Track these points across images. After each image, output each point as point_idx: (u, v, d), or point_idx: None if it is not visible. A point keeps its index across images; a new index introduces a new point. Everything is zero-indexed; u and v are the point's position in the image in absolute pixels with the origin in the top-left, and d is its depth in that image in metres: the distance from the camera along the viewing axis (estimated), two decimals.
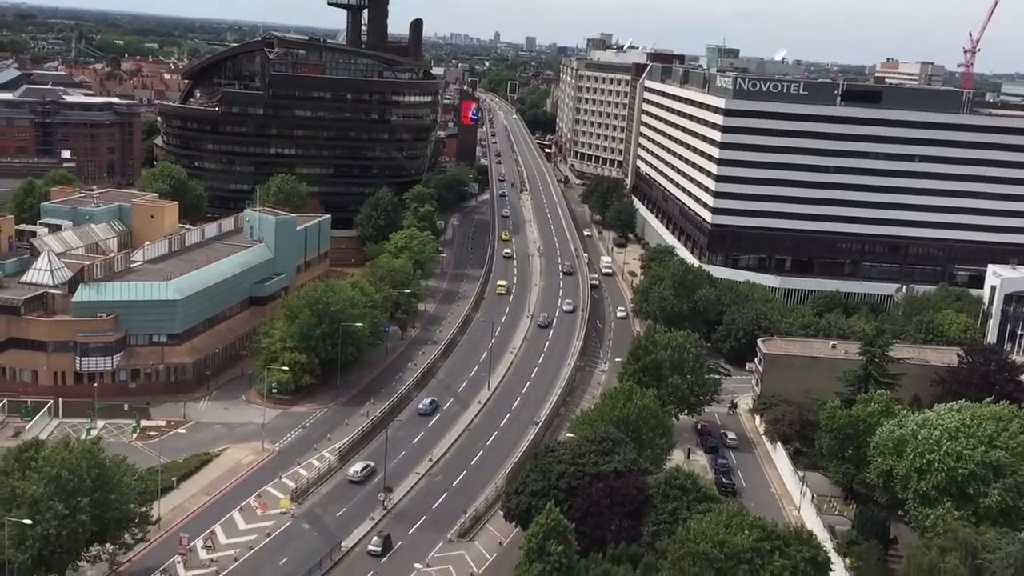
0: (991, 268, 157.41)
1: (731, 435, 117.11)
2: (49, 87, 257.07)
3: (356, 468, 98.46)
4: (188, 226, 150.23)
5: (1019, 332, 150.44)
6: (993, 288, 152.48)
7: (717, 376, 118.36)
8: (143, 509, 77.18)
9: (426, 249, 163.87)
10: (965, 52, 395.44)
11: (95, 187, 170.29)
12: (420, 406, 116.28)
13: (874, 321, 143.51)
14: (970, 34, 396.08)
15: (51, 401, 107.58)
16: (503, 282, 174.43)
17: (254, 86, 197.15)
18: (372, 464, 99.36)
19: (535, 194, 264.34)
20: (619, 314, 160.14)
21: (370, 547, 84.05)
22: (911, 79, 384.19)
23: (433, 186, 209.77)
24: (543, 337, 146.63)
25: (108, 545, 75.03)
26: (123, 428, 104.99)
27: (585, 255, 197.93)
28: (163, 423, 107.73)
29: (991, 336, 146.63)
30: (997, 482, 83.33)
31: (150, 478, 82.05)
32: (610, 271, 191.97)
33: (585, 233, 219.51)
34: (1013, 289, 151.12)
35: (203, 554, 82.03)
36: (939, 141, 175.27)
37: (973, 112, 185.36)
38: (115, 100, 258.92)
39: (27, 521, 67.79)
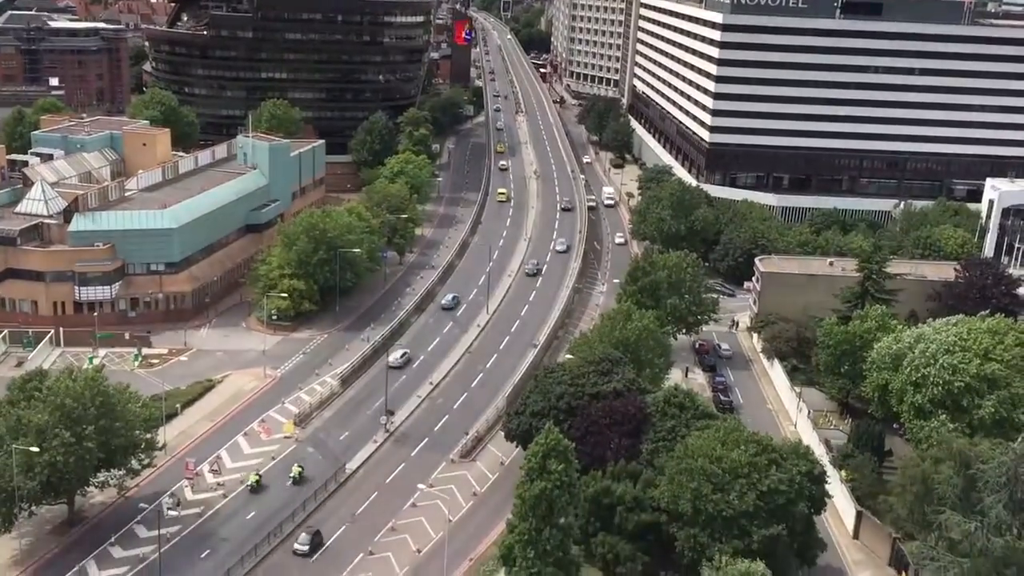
0: (989, 182, 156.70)
1: (725, 347, 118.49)
2: (34, 13, 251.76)
3: (396, 355, 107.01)
4: (181, 153, 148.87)
5: (1016, 245, 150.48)
6: (991, 202, 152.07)
7: (715, 295, 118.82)
8: (148, 435, 78.20)
9: (422, 173, 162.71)
10: None
11: (85, 115, 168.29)
12: (444, 301, 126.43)
13: (872, 237, 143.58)
14: None
15: (52, 331, 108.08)
16: (503, 190, 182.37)
17: (242, 8, 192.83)
18: (408, 351, 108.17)
19: (531, 116, 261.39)
20: (618, 240, 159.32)
21: (296, 546, 74.20)
22: None
23: (427, 109, 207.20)
24: (541, 259, 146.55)
25: (115, 471, 76.26)
26: (125, 357, 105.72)
27: (582, 176, 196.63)
28: (164, 351, 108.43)
29: (988, 250, 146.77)
30: (992, 394, 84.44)
31: (154, 405, 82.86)
32: (612, 202, 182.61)
33: (585, 160, 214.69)
34: (1011, 202, 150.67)
35: (210, 478, 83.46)
36: (939, 53, 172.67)
37: (975, 23, 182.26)
38: (101, 25, 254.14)
39: (34, 449, 68.77)
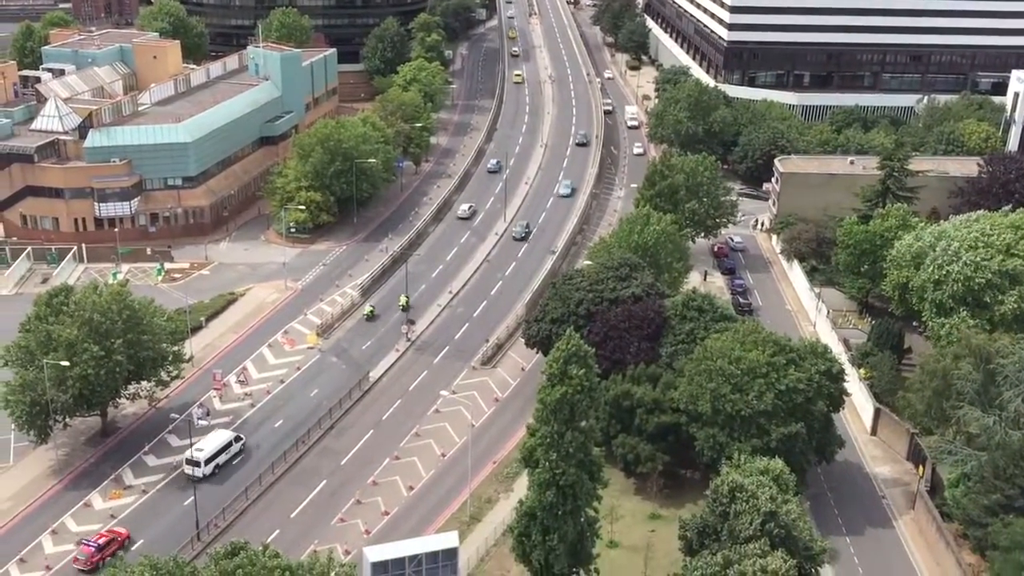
0: (1015, 73, 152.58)
1: (737, 239, 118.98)
2: None
3: (464, 207, 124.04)
4: (192, 66, 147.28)
5: None
6: (1016, 94, 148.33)
7: (734, 199, 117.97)
8: (175, 348, 79.69)
9: (435, 80, 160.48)
10: None
11: (94, 28, 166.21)
12: (490, 164, 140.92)
13: (894, 134, 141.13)
14: None
15: (74, 247, 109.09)
16: (519, 72, 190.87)
17: None
18: (474, 204, 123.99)
19: (544, 17, 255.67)
20: (636, 151, 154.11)
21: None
22: None
23: (439, 14, 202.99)
24: (558, 166, 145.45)
25: (145, 383, 78.00)
26: (147, 272, 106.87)
27: (598, 79, 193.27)
28: (186, 265, 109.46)
29: (1013, 144, 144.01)
30: (1013, 290, 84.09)
31: (179, 318, 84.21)
32: (635, 123, 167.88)
33: (606, 76, 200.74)
34: None
35: (237, 388, 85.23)
36: None
37: None
38: None
39: (65, 363, 70.26)
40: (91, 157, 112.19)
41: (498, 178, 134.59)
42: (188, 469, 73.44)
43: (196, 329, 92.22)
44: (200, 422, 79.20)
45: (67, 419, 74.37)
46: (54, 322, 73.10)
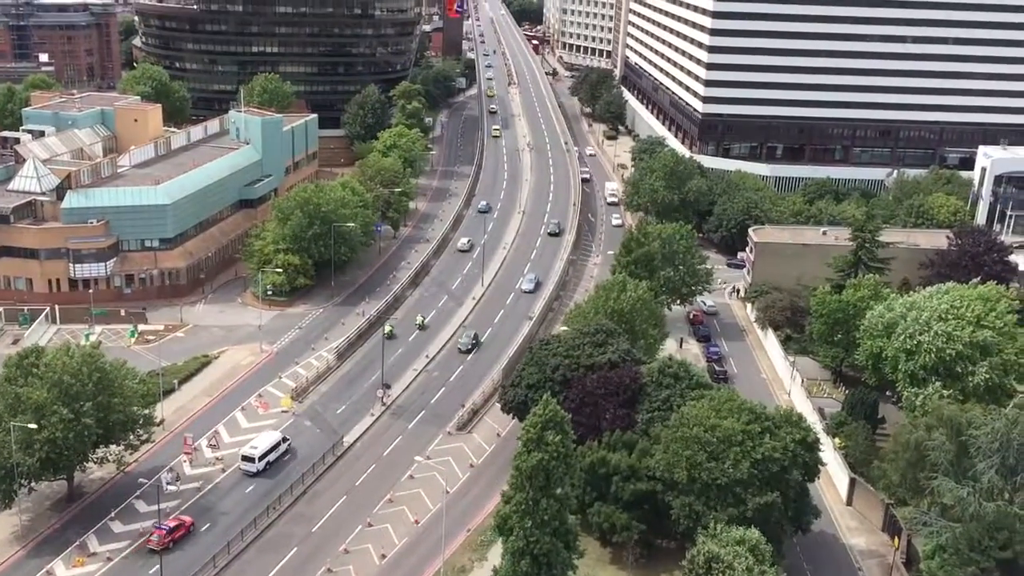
0: (982, 149, 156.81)
1: (710, 303, 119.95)
2: None
3: (463, 241, 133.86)
4: (173, 129, 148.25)
5: (1008, 213, 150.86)
6: (983, 169, 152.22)
7: (708, 267, 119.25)
8: (146, 411, 78.57)
9: (415, 147, 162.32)
10: None
11: (75, 91, 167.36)
12: (480, 206, 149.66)
13: (865, 206, 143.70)
14: None
15: (47, 308, 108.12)
16: (497, 126, 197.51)
17: None
18: (473, 240, 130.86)
19: (523, 87, 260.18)
20: (615, 222, 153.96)
21: None
22: None
23: (420, 82, 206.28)
24: (535, 232, 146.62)
25: (114, 447, 76.67)
26: (121, 333, 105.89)
27: (576, 148, 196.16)
28: (160, 327, 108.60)
29: (981, 218, 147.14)
30: (984, 361, 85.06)
31: (151, 381, 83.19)
32: (615, 199, 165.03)
33: (588, 152, 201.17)
34: (1003, 170, 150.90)
35: (208, 453, 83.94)
36: (932, 21, 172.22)
37: None
38: (90, 0, 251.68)
39: (33, 426, 69.05)
40: (68, 218, 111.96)
41: (469, 255, 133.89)
42: (244, 465, 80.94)
43: (168, 392, 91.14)
44: (169, 487, 77.81)
45: (33, 484, 72.79)
46: (23, 384, 72.01)
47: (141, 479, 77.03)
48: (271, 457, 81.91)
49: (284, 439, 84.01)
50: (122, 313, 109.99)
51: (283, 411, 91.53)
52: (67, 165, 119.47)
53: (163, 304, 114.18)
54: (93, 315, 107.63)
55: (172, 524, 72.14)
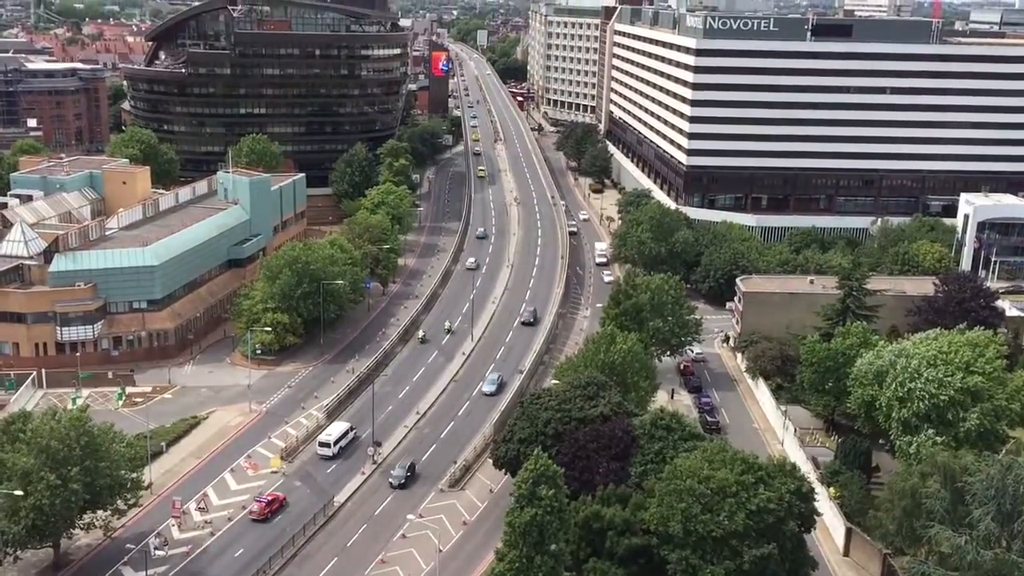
0: (964, 196, 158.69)
1: (696, 349, 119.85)
2: (10, 55, 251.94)
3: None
4: (161, 191, 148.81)
5: (993, 259, 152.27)
6: (966, 216, 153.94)
7: (697, 317, 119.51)
8: (134, 475, 77.55)
9: (403, 204, 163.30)
10: None
11: (64, 155, 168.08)
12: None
13: (850, 255, 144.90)
14: None
15: (34, 372, 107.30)
16: (476, 132, 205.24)
17: (219, 45, 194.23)
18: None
19: (509, 143, 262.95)
20: (607, 278, 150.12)
21: None
22: (880, 11, 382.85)
23: (407, 140, 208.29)
24: (524, 286, 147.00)
25: (101, 512, 75.55)
26: (108, 396, 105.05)
27: (563, 202, 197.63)
28: (148, 389, 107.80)
29: (965, 264, 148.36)
30: (975, 407, 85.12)
31: (139, 444, 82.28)
32: (604, 259, 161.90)
33: (582, 217, 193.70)
34: (985, 216, 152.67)
35: (197, 516, 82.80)
36: (910, 72, 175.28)
37: (943, 42, 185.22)
38: (79, 65, 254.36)
39: (19, 492, 68.07)
40: (55, 281, 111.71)
41: (463, 299, 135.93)
42: (321, 450, 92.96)
43: (156, 455, 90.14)
44: (157, 552, 76.55)
45: (18, 551, 71.55)
46: (9, 450, 71.13)
47: (128, 544, 75.78)
48: (343, 443, 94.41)
49: (351, 428, 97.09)
50: (109, 376, 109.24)
51: (273, 471, 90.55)
52: (55, 229, 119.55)
53: (151, 366, 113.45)
54: (80, 378, 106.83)
55: (270, 498, 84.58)
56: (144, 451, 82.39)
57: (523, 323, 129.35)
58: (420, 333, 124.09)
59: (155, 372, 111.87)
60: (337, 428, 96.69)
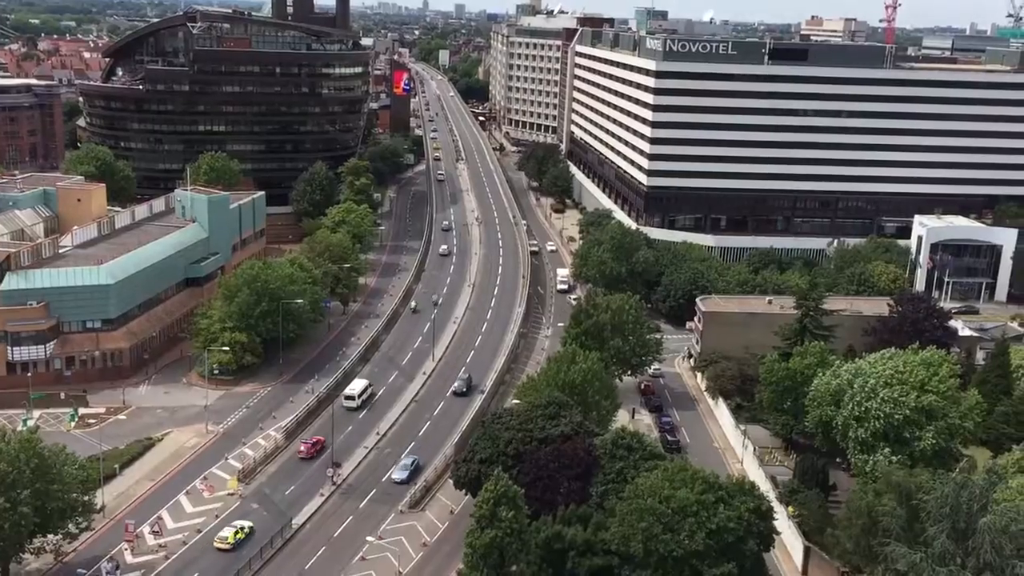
0: (917, 218, 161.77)
1: (656, 366, 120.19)
2: None
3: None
4: (117, 209, 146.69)
5: (945, 279, 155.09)
6: (920, 238, 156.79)
7: (658, 336, 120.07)
8: (86, 498, 75.98)
9: (364, 222, 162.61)
10: (886, 7, 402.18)
11: (17, 172, 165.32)
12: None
13: (808, 275, 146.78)
14: None
15: None
16: (436, 142, 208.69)
17: (178, 62, 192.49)
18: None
19: (471, 162, 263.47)
20: (573, 300, 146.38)
21: None
22: (835, 36, 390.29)
23: (368, 159, 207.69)
24: (485, 306, 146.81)
25: (52, 536, 73.84)
26: (60, 417, 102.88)
27: (524, 222, 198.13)
28: (102, 410, 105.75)
29: (919, 285, 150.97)
30: (930, 425, 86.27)
31: (91, 466, 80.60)
32: (565, 286, 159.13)
33: (549, 248, 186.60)
34: (938, 238, 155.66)
35: (150, 540, 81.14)
36: (864, 96, 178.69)
37: (896, 67, 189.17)
38: (33, 81, 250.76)
39: None
40: (6, 300, 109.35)
41: (425, 318, 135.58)
42: (346, 403, 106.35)
43: (109, 477, 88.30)
44: None
45: None
46: None
47: (80, 569, 74.09)
48: (364, 396, 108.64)
49: (370, 384, 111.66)
50: (62, 396, 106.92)
51: (230, 493, 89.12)
52: (6, 246, 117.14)
53: (105, 386, 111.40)
54: (32, 399, 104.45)
55: (313, 440, 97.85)
56: (96, 473, 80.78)
57: (455, 393, 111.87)
58: (412, 304, 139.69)
59: (109, 393, 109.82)
60: (359, 384, 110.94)
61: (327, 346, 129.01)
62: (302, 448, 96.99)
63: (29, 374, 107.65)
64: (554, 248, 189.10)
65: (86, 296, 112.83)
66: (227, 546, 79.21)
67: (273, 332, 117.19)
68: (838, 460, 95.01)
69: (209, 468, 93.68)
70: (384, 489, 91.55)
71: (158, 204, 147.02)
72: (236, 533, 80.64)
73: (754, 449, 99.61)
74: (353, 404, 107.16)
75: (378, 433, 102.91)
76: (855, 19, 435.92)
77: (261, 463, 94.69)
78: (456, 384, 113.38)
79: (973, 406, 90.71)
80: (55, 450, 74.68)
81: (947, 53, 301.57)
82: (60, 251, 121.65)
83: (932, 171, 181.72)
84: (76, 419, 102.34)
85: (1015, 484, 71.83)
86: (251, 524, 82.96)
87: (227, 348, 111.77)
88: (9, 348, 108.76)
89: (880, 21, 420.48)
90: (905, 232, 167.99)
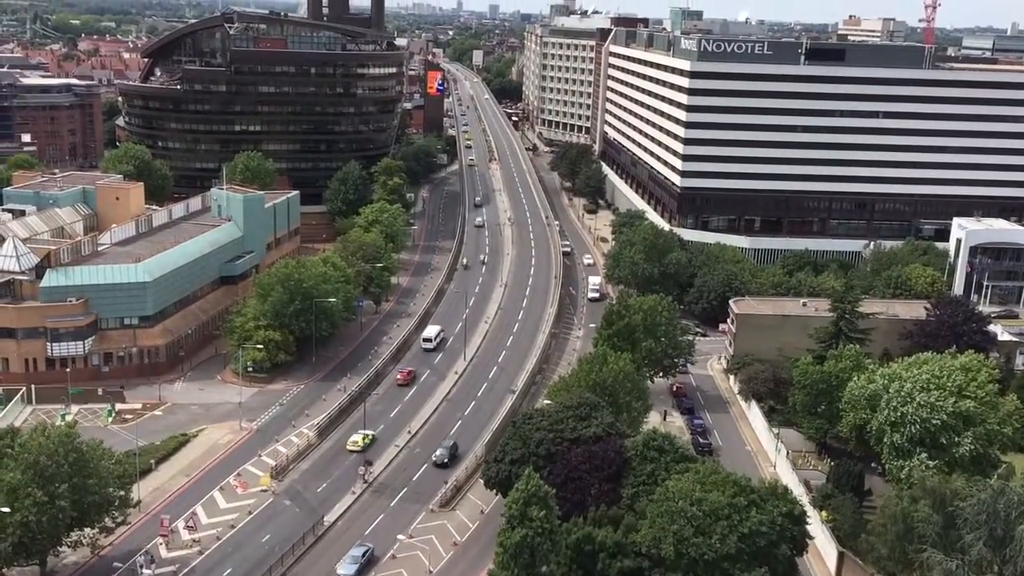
0: (956, 221, 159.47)
1: (688, 366, 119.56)
2: (5, 70, 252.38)
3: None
4: (155, 207, 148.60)
5: (984, 283, 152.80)
6: (959, 241, 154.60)
7: (690, 337, 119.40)
8: (122, 492, 76.93)
9: (397, 222, 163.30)
10: (926, 7, 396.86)
11: (57, 170, 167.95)
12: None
13: (843, 278, 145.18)
14: None
15: (23, 388, 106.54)
16: (468, 136, 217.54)
17: (215, 63, 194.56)
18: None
19: (504, 163, 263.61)
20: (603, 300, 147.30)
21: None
22: (873, 36, 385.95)
23: (401, 158, 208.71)
24: (517, 306, 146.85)
25: (88, 530, 74.87)
26: (98, 412, 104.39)
27: (556, 223, 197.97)
28: (138, 406, 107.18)
29: (958, 288, 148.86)
30: (968, 431, 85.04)
31: (128, 461, 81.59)
32: (597, 295, 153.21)
33: (586, 262, 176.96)
34: (978, 241, 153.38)
35: (185, 535, 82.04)
36: (902, 97, 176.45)
37: (935, 67, 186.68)
38: (74, 81, 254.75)
39: (5, 509, 67.46)
40: (47, 297, 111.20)
41: (457, 316, 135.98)
42: (424, 344, 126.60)
43: (145, 472, 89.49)
44: (144, 571, 75.73)
45: (4, 569, 70.78)
46: None
47: (116, 563, 75.08)
48: (438, 340, 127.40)
49: (442, 328, 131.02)
50: (99, 392, 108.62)
51: (263, 490, 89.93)
52: (47, 243, 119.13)
53: (142, 382, 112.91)
54: (70, 394, 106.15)
55: (408, 369, 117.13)
56: (133, 468, 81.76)
57: (435, 464, 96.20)
58: (463, 261, 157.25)
59: (145, 389, 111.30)
60: (433, 329, 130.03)
61: (360, 344, 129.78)
62: (399, 376, 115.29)
63: (68, 370, 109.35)
64: (591, 261, 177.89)
65: (124, 293, 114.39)
66: (357, 448, 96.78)
67: (306, 330, 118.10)
68: (873, 465, 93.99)
69: (243, 464, 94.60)
70: (415, 488, 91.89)
71: (195, 203, 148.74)
72: (364, 438, 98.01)
73: (787, 453, 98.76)
74: (430, 346, 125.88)
75: (409, 432, 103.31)
76: (894, 19, 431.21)
77: (294, 460, 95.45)
78: (437, 453, 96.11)
79: (1012, 411, 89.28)
80: (92, 445, 75.74)
81: (988, 53, 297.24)
82: (99, 248, 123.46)
83: (971, 173, 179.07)
84: (113, 414, 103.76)
85: None
86: (374, 433, 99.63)
87: (261, 346, 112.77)
88: (49, 344, 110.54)
89: (919, 21, 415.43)
90: (943, 235, 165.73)
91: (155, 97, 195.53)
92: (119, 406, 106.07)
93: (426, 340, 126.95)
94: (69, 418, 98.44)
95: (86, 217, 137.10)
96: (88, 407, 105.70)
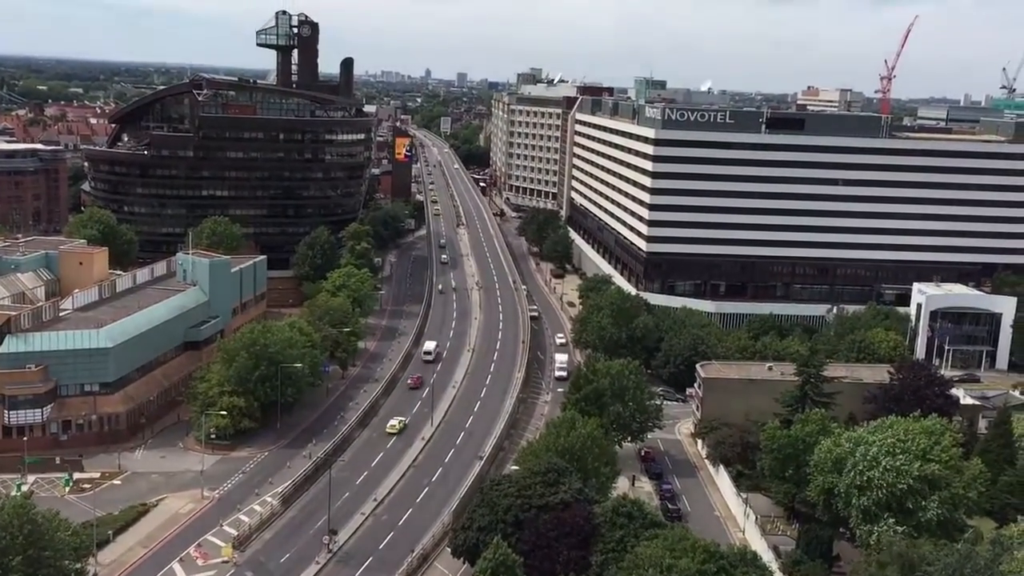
0: (916, 286, 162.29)
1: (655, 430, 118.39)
2: None
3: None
4: (119, 272, 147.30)
5: (946, 347, 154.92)
6: (919, 305, 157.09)
7: (658, 402, 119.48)
8: (78, 565, 74.92)
9: (364, 286, 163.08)
10: (881, 79, 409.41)
11: (20, 235, 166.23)
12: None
13: (808, 342, 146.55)
14: (885, 61, 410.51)
15: None
16: (436, 202, 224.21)
17: (183, 128, 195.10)
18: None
19: (471, 227, 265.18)
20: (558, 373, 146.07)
21: None
22: (831, 105, 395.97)
23: (369, 223, 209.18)
24: (485, 370, 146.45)
25: None
26: (55, 482, 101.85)
27: (524, 287, 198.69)
28: (97, 475, 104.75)
29: (920, 352, 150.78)
30: (934, 495, 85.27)
31: (85, 532, 79.59)
32: (564, 374, 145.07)
33: (559, 341, 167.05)
34: (938, 305, 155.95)
35: None
36: (861, 165, 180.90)
37: (892, 136, 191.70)
38: (39, 146, 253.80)
39: None
40: (5, 364, 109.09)
41: (418, 393, 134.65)
42: (425, 357, 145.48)
43: (103, 543, 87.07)
44: None
45: None
46: None
47: None
48: (436, 352, 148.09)
49: (437, 344, 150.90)
50: (57, 461, 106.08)
51: (224, 561, 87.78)
52: (7, 309, 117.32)
53: (101, 451, 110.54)
54: (26, 463, 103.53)
55: (417, 376, 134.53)
56: (90, 540, 79.66)
57: None
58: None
59: (104, 457, 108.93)
60: (431, 343, 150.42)
61: (326, 410, 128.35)
62: (410, 381, 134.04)
63: (25, 438, 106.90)
64: (563, 340, 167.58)
65: (85, 359, 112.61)
66: (395, 431, 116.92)
67: (271, 396, 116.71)
68: (841, 530, 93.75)
69: (204, 535, 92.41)
70: (381, 557, 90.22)
71: (160, 267, 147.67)
72: (400, 423, 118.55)
73: (756, 518, 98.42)
74: (430, 357, 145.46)
75: (375, 499, 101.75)
76: (851, 90, 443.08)
77: (256, 530, 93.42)
78: None
79: (976, 476, 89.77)
80: (48, 516, 73.78)
81: (942, 123, 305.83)
82: (60, 314, 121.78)
83: (929, 239, 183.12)
84: (71, 484, 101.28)
85: (1021, 556, 70.76)
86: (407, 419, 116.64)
87: (224, 412, 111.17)
88: (6, 412, 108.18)
89: (875, 92, 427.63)
90: (904, 299, 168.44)
91: (121, 162, 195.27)
92: (77, 475, 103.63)
93: (426, 353, 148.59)
94: (25, 488, 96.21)
95: (48, 282, 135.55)
96: (45, 476, 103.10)
